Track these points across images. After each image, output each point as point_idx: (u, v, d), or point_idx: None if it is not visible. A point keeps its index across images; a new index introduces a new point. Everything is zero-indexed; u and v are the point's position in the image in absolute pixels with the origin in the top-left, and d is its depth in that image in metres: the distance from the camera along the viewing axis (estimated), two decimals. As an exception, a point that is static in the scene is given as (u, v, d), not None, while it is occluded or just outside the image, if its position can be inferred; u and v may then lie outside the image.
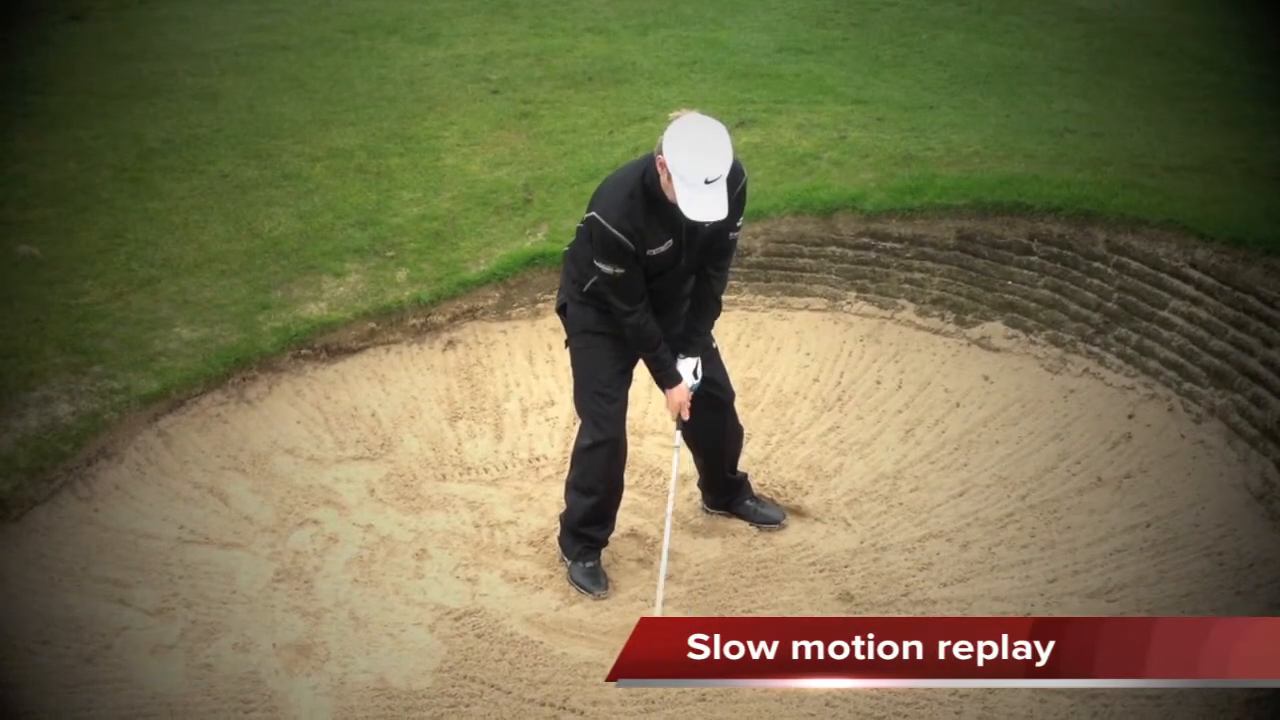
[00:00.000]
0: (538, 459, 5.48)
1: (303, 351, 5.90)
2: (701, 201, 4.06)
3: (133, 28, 10.53)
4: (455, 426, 5.68)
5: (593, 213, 4.27)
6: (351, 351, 6.00)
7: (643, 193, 4.20)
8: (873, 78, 8.60)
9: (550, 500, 5.22)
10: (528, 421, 5.72)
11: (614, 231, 4.18)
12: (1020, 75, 8.51)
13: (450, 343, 6.12)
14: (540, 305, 6.30)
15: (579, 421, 4.68)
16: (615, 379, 4.59)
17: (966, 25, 9.50)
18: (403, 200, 7.06)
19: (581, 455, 4.65)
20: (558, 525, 4.89)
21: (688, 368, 4.55)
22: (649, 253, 4.27)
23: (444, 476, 5.37)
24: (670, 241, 4.28)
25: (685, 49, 9.19)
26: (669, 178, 4.07)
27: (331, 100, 8.54)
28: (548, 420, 5.71)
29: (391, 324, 6.11)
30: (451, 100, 8.39)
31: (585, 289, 4.49)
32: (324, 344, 5.95)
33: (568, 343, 4.64)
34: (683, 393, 4.54)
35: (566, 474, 4.81)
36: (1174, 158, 6.85)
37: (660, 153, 4.07)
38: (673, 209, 4.12)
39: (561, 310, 4.65)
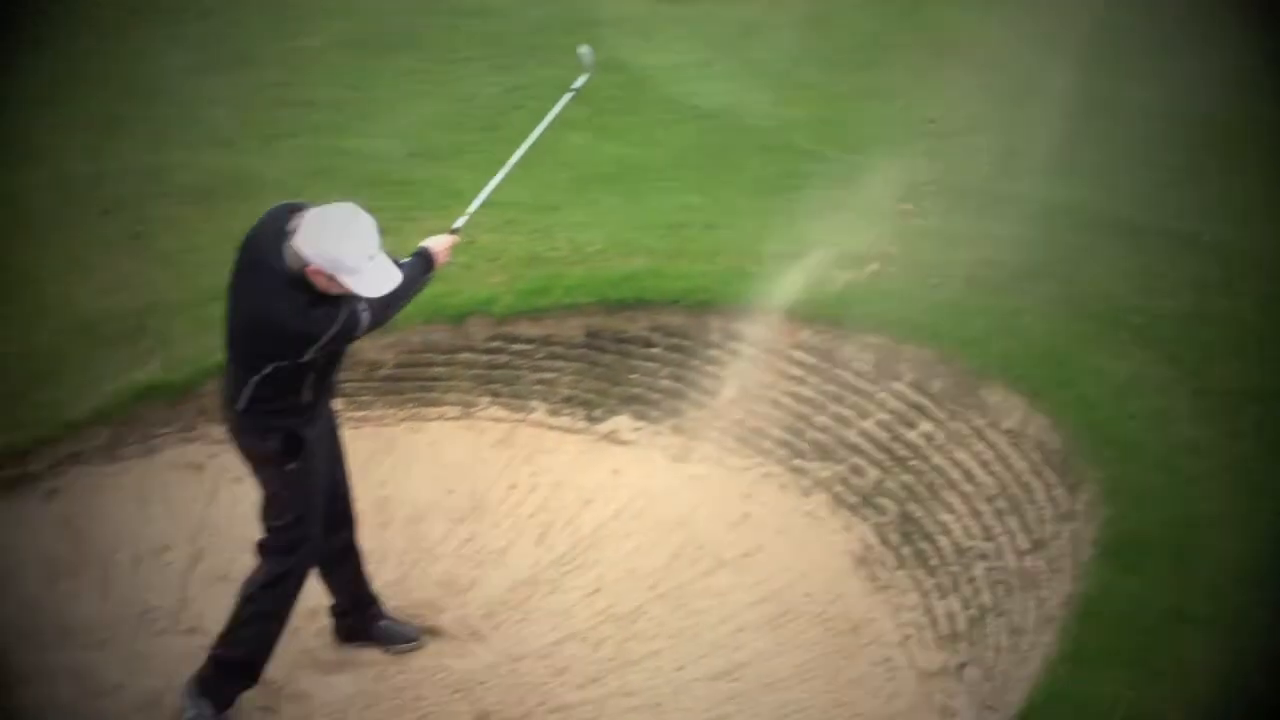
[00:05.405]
0: (150, 611, 5.12)
1: None
2: (375, 276, 4.02)
3: None
4: (55, 587, 5.21)
5: (286, 359, 4.12)
6: (-70, 517, 5.41)
7: (304, 289, 4.05)
8: (502, 180, 8.76)
9: (169, 656, 4.87)
10: (140, 571, 5.34)
11: (334, 326, 4.06)
12: (640, 173, 8.93)
13: (51, 492, 5.64)
14: (154, 441, 5.93)
15: (273, 553, 4.49)
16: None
17: (590, 126, 9.88)
18: (-7, 338, 6.48)
19: (282, 583, 4.49)
20: (183, 681, 4.59)
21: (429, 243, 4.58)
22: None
23: (44, 646, 4.92)
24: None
25: (313, 158, 9.04)
26: (329, 278, 3.97)
27: (-88, 231, 7.79)
28: (163, 566, 5.36)
29: (-20, 479, 5.55)
30: (55, 223, 7.85)
31: (302, 399, 4.32)
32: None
33: (285, 467, 4.38)
34: (442, 240, 4.62)
35: (242, 611, 4.51)
36: (780, 245, 7.35)
37: (308, 263, 3.95)
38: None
39: (285, 441, 4.36)
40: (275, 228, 4.09)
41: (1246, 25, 9.84)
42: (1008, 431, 5.48)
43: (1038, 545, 4.99)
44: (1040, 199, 7.75)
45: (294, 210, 4.10)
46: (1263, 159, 8.41)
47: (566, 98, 5.35)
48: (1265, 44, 9.57)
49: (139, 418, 5.98)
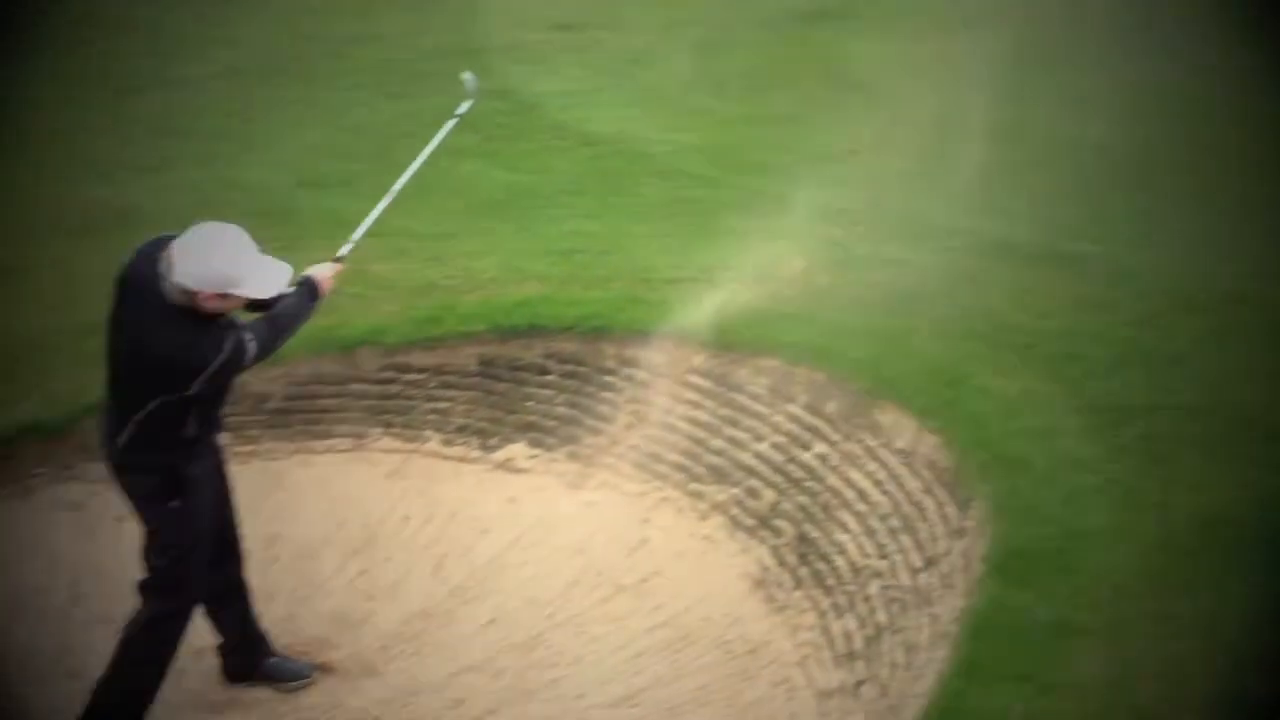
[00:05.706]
0: (29, 657, 4.88)
1: None
2: (265, 276, 4.04)
3: None
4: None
5: (172, 393, 4.05)
6: None
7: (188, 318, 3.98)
8: (392, 208, 8.64)
9: (49, 703, 4.67)
10: (17, 615, 5.11)
11: (221, 355, 3.98)
12: (532, 199, 8.90)
13: (-86, 540, 5.39)
14: (31, 480, 5.72)
15: (155, 593, 4.38)
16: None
17: (481, 153, 9.83)
18: None
19: (166, 624, 4.39)
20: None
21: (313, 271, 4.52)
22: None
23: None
24: None
25: (197, 189, 8.82)
26: (222, 297, 3.93)
27: None
28: (41, 610, 5.14)
29: None
30: (-84, 261, 7.53)
31: (186, 434, 4.23)
32: None
33: (167, 504, 4.29)
34: (327, 268, 4.57)
35: (123, 653, 4.39)
36: (674, 270, 7.39)
37: (195, 291, 3.90)
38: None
39: (167, 479, 4.27)
40: (151, 260, 4.04)
41: (1128, 52, 10.25)
42: (900, 451, 5.56)
43: (930, 562, 5.06)
44: (928, 222, 7.91)
45: (167, 242, 4.05)
46: (1138, 180, 8.72)
47: (450, 124, 5.35)
48: (1145, 70, 9.99)
49: (14, 457, 5.78)
